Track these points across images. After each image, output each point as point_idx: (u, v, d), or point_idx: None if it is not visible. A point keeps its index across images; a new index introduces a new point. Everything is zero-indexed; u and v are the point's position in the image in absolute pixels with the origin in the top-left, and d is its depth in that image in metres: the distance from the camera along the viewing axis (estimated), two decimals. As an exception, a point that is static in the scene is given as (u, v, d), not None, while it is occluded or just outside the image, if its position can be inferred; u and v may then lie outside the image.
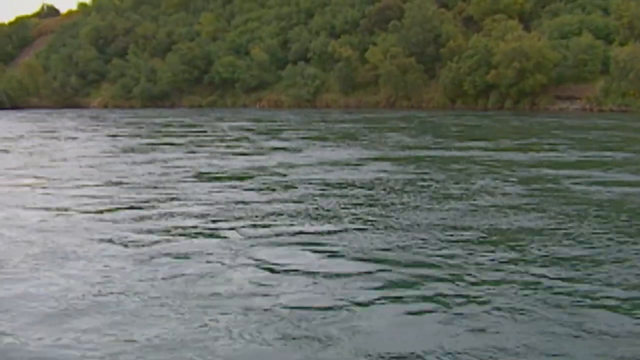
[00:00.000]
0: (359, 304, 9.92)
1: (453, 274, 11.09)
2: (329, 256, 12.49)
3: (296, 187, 20.42)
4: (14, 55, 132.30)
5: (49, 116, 79.22)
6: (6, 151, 35.09)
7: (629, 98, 65.49)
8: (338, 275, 11.24)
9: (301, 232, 14.39)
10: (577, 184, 20.10)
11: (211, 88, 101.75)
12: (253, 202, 17.79)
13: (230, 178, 23.19)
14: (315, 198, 18.50)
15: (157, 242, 13.70)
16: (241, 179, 22.96)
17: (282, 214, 16.23)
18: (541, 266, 11.44)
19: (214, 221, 15.55)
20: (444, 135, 40.94)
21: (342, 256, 12.42)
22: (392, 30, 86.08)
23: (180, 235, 14.30)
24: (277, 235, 14.11)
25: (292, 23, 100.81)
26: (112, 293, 10.60)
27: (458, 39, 79.53)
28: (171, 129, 50.69)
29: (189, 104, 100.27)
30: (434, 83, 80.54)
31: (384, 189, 19.84)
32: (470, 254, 12.26)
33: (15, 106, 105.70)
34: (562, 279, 10.75)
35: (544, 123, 50.13)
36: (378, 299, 10.14)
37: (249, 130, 47.93)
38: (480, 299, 10.03)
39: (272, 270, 11.64)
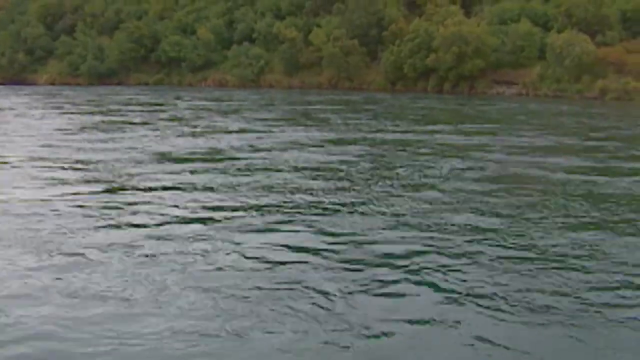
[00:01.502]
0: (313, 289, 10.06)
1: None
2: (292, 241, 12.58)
3: (266, 170, 20.47)
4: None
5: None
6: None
7: (564, 83, 66.05)
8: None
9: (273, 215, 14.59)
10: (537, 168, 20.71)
11: (158, 66, 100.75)
12: (224, 184, 17.89)
13: (193, 160, 23.03)
14: (287, 181, 18.60)
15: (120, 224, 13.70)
16: (206, 160, 22.92)
17: (247, 198, 16.27)
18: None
19: (182, 206, 15.45)
20: (400, 117, 41.34)
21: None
22: (336, 12, 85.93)
23: (145, 219, 14.20)
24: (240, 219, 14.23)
25: (238, 4, 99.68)
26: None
27: (400, 22, 79.52)
28: (130, 107, 50.15)
29: (136, 82, 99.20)
30: (376, 65, 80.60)
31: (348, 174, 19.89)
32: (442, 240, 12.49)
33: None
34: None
35: (503, 108, 50.50)
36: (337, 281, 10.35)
37: (207, 109, 47.64)
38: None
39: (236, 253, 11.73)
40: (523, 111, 47.14)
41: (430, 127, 34.65)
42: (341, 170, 20.50)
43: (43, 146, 26.62)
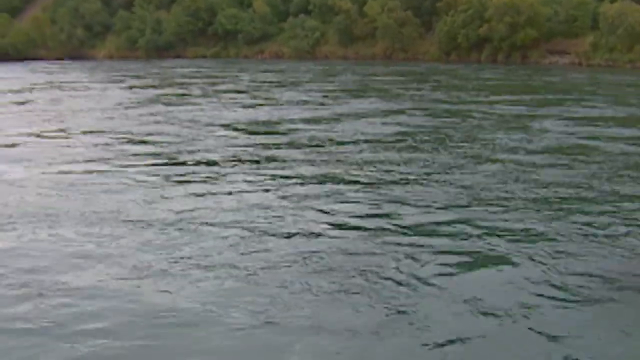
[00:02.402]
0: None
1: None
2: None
3: (331, 141, 21.53)
4: (21, 9, 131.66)
5: (60, 67, 79.81)
6: (26, 102, 36.01)
7: (616, 53, 66.28)
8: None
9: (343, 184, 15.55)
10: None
11: (215, 39, 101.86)
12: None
13: (258, 132, 24.17)
14: (351, 152, 19.55)
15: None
16: (271, 133, 24.05)
17: (312, 168, 17.27)
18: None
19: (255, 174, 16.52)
20: (464, 88, 41.88)
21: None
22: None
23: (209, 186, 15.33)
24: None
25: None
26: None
27: (454, -7, 79.95)
28: (194, 80, 51.54)
29: (193, 55, 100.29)
30: (430, 36, 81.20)
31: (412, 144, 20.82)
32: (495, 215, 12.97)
33: (23, 58, 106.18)
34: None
35: (569, 78, 50.81)
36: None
37: (269, 82, 48.69)
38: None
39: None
40: (590, 81, 47.48)
41: (494, 98, 35.07)
42: (404, 141, 21.35)
43: (107, 118, 27.95)
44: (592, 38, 68.47)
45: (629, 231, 11.81)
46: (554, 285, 9.65)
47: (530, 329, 8.41)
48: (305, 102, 33.45)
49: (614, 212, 13.05)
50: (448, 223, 12.48)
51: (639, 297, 9.33)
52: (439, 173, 16.68)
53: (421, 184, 15.51)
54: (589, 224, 12.20)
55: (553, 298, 9.26)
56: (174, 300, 9.30)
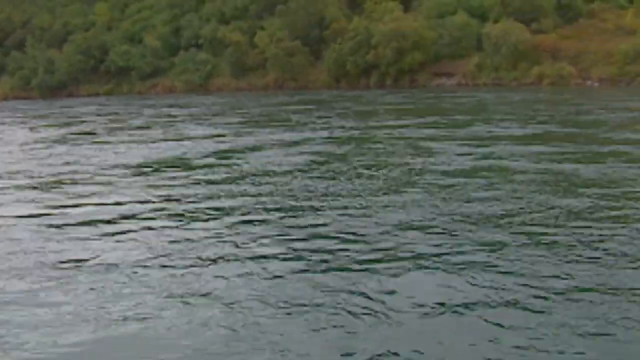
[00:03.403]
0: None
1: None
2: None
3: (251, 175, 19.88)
4: None
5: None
6: None
7: (501, 72, 66.47)
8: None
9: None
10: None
11: (107, 76, 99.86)
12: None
13: (162, 170, 22.38)
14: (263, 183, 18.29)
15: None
16: (176, 167, 22.50)
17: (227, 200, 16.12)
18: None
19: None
20: (360, 115, 41.10)
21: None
22: (279, 14, 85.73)
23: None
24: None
25: (183, 10, 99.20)
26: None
27: (341, 21, 79.61)
28: (92, 118, 49.71)
29: (86, 93, 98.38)
30: (320, 64, 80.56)
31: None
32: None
33: None
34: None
35: (464, 100, 50.49)
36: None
37: (167, 116, 47.41)
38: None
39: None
40: (497, 100, 46.90)
41: (402, 122, 33.81)
42: (318, 169, 20.19)
43: (10, 162, 26.09)
44: (477, 58, 68.97)
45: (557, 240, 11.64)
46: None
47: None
48: (216, 136, 31.80)
49: (541, 224, 12.70)
50: (375, 250, 11.67)
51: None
52: (357, 199, 15.62)
53: (342, 213, 14.42)
54: (520, 239, 11.83)
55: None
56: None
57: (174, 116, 46.75)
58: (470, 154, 21.69)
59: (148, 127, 38.60)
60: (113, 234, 13.56)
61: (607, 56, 62.00)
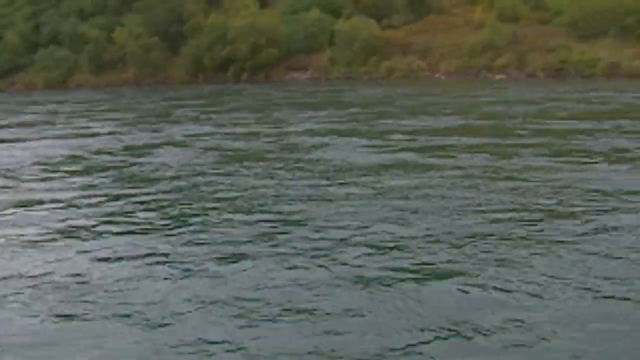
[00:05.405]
0: None
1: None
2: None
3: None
4: None
5: None
6: None
7: (354, 66, 66.88)
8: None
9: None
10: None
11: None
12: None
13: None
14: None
15: None
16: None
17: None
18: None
19: None
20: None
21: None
22: (137, 10, 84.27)
23: None
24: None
25: (43, 7, 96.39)
26: None
27: (199, 17, 78.72)
28: None
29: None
30: (178, 60, 79.48)
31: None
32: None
33: None
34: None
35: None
36: None
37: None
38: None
39: None
40: (384, 94, 45.89)
41: (303, 116, 32.24)
42: (224, 167, 18.32)
43: None
44: (330, 53, 68.81)
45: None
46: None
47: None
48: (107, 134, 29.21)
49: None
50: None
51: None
52: (263, 196, 14.22)
53: (250, 211, 13.00)
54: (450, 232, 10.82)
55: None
56: None
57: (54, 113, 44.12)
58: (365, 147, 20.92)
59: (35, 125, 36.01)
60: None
61: (454, 50, 63.05)
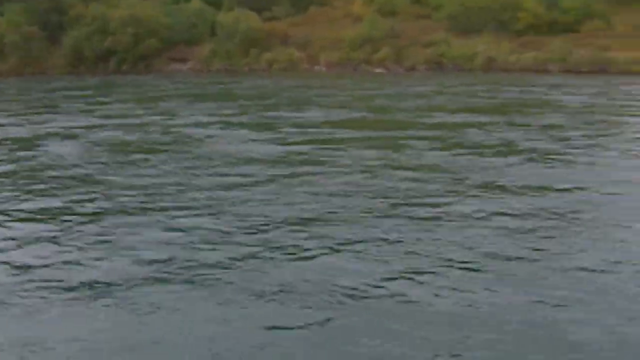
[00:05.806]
0: None
1: None
2: None
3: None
4: None
5: None
6: None
7: (235, 58, 67.06)
8: None
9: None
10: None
11: None
12: None
13: None
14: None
15: None
16: None
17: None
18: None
19: None
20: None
21: None
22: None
23: None
24: None
25: None
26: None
27: (79, 7, 77.37)
28: None
29: None
30: (58, 50, 78.02)
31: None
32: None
33: None
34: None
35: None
36: None
37: None
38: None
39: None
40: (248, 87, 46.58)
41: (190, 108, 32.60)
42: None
43: None
44: (212, 45, 68.77)
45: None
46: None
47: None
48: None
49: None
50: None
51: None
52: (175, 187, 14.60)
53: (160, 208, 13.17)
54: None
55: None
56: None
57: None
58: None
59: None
60: None
61: (335, 42, 63.84)
